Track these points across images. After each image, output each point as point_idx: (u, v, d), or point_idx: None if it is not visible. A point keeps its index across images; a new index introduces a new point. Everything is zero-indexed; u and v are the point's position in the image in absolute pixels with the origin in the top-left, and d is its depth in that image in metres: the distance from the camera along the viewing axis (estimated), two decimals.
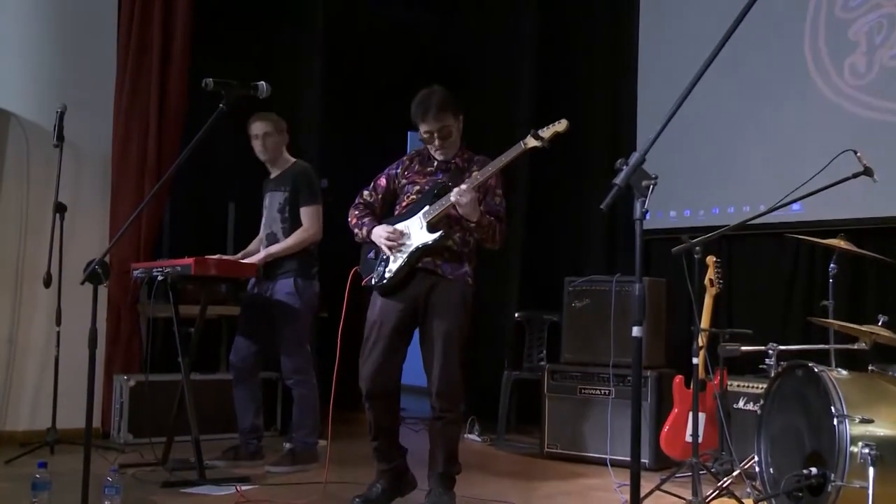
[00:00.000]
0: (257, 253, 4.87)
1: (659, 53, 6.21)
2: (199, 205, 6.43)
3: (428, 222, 3.72)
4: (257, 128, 4.85)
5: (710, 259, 4.47)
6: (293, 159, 4.90)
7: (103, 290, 4.63)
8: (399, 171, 3.94)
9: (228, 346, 5.24)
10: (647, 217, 2.46)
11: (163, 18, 5.67)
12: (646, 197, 2.43)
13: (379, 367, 3.74)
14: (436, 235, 3.69)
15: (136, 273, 4.73)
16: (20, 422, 5.33)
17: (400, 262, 3.74)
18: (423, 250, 3.72)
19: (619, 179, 2.42)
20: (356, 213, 3.95)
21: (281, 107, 4.91)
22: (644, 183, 2.43)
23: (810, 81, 5.36)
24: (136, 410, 5.31)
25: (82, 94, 5.53)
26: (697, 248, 3.95)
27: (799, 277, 5.44)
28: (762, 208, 4.33)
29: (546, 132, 3.53)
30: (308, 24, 6.55)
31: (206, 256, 4.46)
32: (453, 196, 3.60)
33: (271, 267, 4.74)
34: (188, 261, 4.30)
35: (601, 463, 4.88)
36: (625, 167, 2.45)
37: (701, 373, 4.14)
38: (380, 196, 3.95)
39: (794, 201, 3.77)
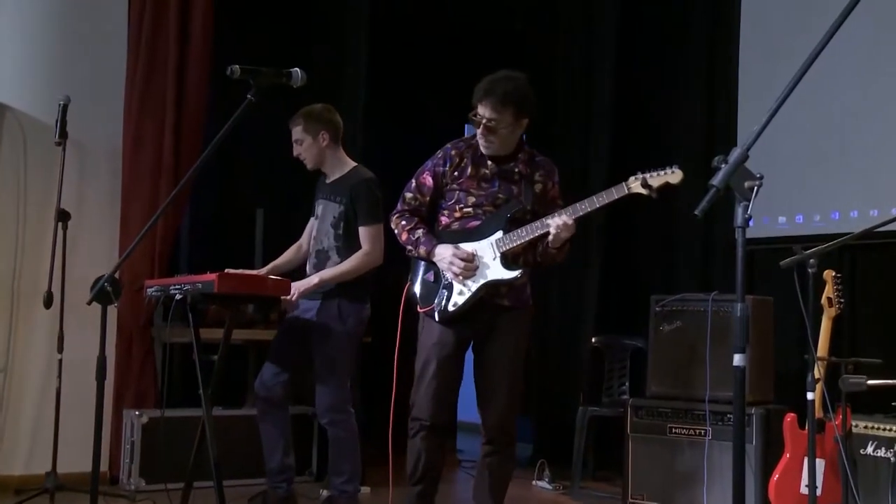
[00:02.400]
0: (287, 264, 4.90)
1: (765, 24, 6.16)
2: (223, 211, 6.52)
3: (502, 253, 3.82)
4: (293, 132, 4.89)
5: (829, 274, 4.43)
6: (351, 164, 4.86)
7: (113, 312, 4.72)
8: (447, 169, 3.95)
9: (256, 373, 5.29)
10: (751, 224, 2.45)
11: None
12: (749, 200, 2.43)
13: (436, 394, 3.84)
14: (515, 274, 3.82)
15: (150, 291, 4.76)
16: (15, 465, 5.40)
17: (467, 295, 3.84)
18: (493, 285, 3.84)
19: (716, 180, 2.42)
20: (402, 223, 3.99)
21: (317, 94, 4.96)
22: (747, 184, 2.43)
23: None
24: (149, 452, 5.37)
25: (88, 83, 5.61)
26: (812, 260, 3.92)
27: None
28: (895, 213, 4.28)
29: (655, 180, 3.65)
30: None
31: (232, 271, 4.51)
32: (553, 227, 3.72)
33: None
34: (210, 276, 4.34)
35: None
36: (723, 166, 2.45)
37: (818, 411, 4.10)
38: (427, 198, 3.99)
39: None
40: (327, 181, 4.88)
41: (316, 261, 4.81)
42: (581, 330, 6.77)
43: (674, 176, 3.65)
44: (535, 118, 3.93)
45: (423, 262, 3.98)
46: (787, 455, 4.58)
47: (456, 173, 3.92)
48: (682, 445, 5.12)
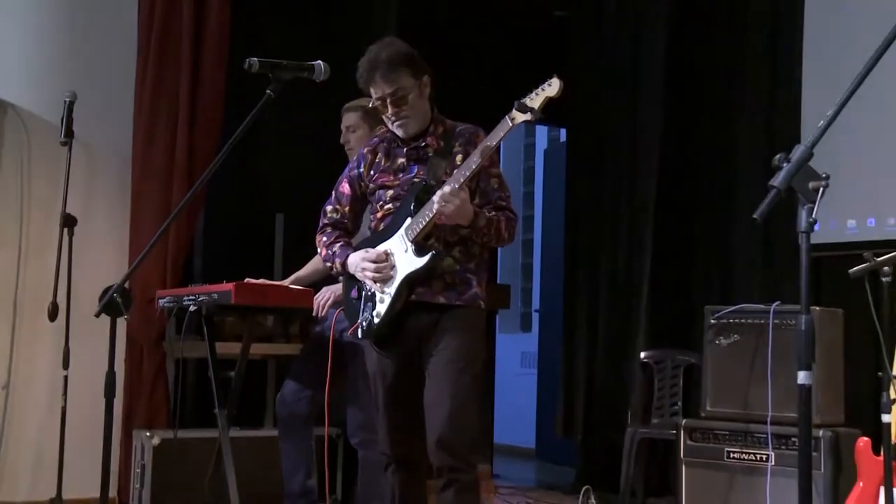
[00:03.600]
0: (312, 276, 4.91)
1: (832, 4, 6.12)
2: (241, 216, 6.56)
3: (413, 241, 3.59)
4: (346, 118, 4.91)
5: None
6: None
7: (122, 324, 4.74)
8: (363, 169, 3.83)
9: (276, 391, 5.31)
10: (817, 228, 2.44)
11: None
12: (814, 203, 2.42)
13: (392, 430, 3.74)
14: (425, 259, 3.56)
15: (162, 302, 4.82)
16: (18, 491, 5.43)
17: (388, 299, 3.62)
18: (412, 280, 3.59)
19: (778, 181, 2.42)
20: (323, 238, 3.86)
21: (342, 91, 4.97)
22: (811, 185, 2.42)
23: None
24: (161, 475, 5.37)
25: (96, 78, 5.66)
26: (886, 268, 3.89)
27: None
28: None
29: (535, 100, 3.42)
30: None
31: (250, 280, 4.54)
32: (435, 205, 3.48)
33: None
34: (227, 286, 4.38)
35: None
36: (785, 165, 2.44)
37: (894, 435, 4.06)
38: (347, 208, 3.88)
39: None
40: None
41: None
42: (629, 344, 6.75)
43: (551, 88, 3.40)
44: (434, 77, 3.77)
45: (348, 280, 3.82)
46: (861, 484, 4.53)
47: (371, 171, 3.80)
48: (741, 472, 5.08)
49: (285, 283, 4.92)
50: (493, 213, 3.64)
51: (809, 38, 6.24)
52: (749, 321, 5.24)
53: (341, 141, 4.86)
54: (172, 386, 5.66)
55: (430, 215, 3.52)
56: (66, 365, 5.10)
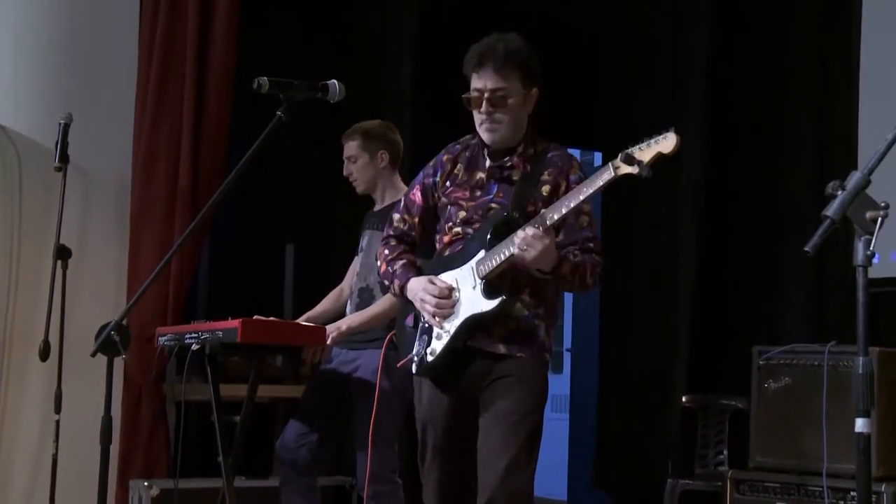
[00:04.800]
0: (326, 314, 4.92)
1: (892, 26, 6.11)
2: (249, 247, 6.59)
3: (483, 279, 3.49)
4: (346, 148, 4.95)
5: None
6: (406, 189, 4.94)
7: (119, 364, 4.75)
8: (438, 179, 3.73)
9: None
10: (876, 261, 2.44)
11: None
12: (872, 234, 2.41)
13: (441, 487, 3.66)
14: (494, 303, 3.46)
15: (162, 340, 4.83)
16: None
17: (446, 338, 3.54)
18: (474, 324, 3.51)
19: (831, 210, 2.41)
20: (385, 251, 3.78)
21: (354, 112, 5.00)
22: (869, 214, 2.42)
23: None
24: None
25: (93, 99, 5.66)
26: None
27: None
28: None
29: (644, 153, 3.25)
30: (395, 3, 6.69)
31: (258, 317, 4.55)
32: (515, 247, 3.38)
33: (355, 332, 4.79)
34: (233, 323, 4.38)
35: None
36: (840, 193, 2.44)
37: None
38: (416, 219, 3.78)
39: None
40: (375, 209, 4.93)
41: (358, 301, 4.84)
42: (669, 387, 6.72)
43: (666, 142, 3.20)
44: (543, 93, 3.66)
45: (405, 303, 3.73)
46: None
47: (447, 183, 3.70)
48: None
49: (301, 320, 4.93)
50: (579, 256, 3.55)
51: (867, 56, 6.24)
52: (801, 363, 5.22)
53: (344, 173, 4.90)
54: (173, 432, 5.66)
55: (507, 254, 3.43)
56: (57, 409, 5.09)
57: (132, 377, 5.60)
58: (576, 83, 7.18)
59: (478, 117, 3.59)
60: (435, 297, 3.55)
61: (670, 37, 7.23)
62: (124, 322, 3.61)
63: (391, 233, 3.82)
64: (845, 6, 6.40)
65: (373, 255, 4.80)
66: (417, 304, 3.61)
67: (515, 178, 3.61)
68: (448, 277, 3.58)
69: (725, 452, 6.11)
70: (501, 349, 3.54)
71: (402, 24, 6.65)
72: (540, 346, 3.59)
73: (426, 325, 3.62)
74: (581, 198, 3.36)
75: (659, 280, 7.09)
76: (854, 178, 2.44)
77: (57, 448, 5.08)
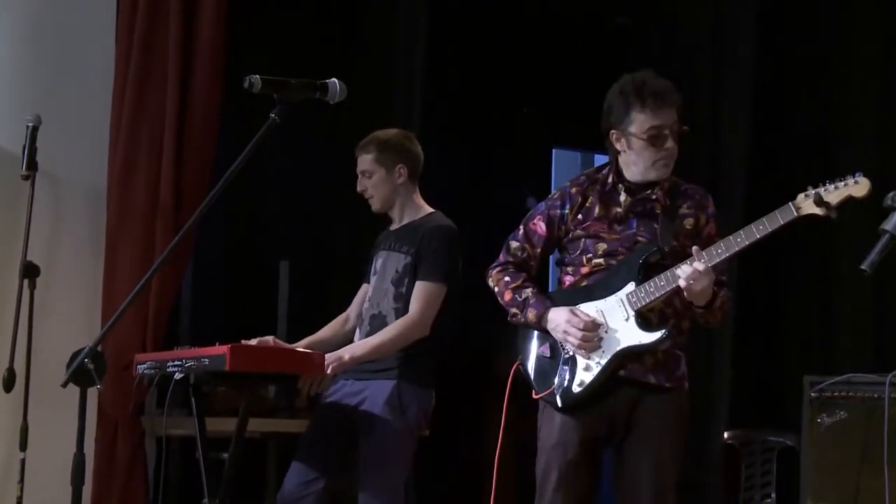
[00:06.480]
0: (329, 342, 4.86)
1: None
2: (237, 265, 6.60)
3: (638, 311, 3.83)
4: (360, 161, 4.95)
5: None
6: (428, 209, 4.93)
7: (93, 396, 4.77)
8: (568, 211, 4.04)
9: (279, 479, 5.30)
10: None
11: None
12: None
13: None
14: (658, 335, 3.82)
15: (141, 369, 4.82)
16: None
17: (596, 369, 3.85)
18: (630, 354, 3.85)
19: (890, 224, 2.43)
20: (506, 279, 4.07)
21: (359, 117, 5.02)
22: None
23: None
24: None
25: (65, 101, 5.68)
26: None
27: None
28: None
29: (832, 195, 3.60)
30: None
31: (248, 342, 4.57)
32: (682, 280, 3.72)
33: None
34: (221, 349, 4.37)
35: None
36: None
37: None
38: (538, 250, 4.09)
39: None
40: (392, 228, 4.94)
41: (369, 328, 4.82)
42: (710, 422, 6.70)
43: (858, 187, 3.55)
44: None
45: (535, 333, 4.03)
46: None
47: (580, 216, 4.01)
48: None
49: (298, 346, 4.89)
50: (720, 290, 3.89)
51: None
52: (859, 394, 5.22)
53: (358, 190, 4.91)
54: (153, 471, 5.65)
55: (666, 287, 3.79)
56: (23, 446, 5.09)
57: (107, 410, 5.60)
58: (601, 82, 7.12)
59: (656, 153, 3.91)
60: (580, 329, 3.84)
61: (713, 31, 7.21)
62: (99, 348, 3.62)
63: (510, 259, 4.11)
64: None
65: (387, 278, 4.82)
66: (559, 336, 3.92)
67: (658, 211, 3.97)
68: (589, 308, 3.90)
69: (773, 496, 6.10)
70: (651, 379, 3.90)
71: (414, 17, 6.66)
72: (682, 376, 4.01)
73: (569, 355, 3.91)
74: (758, 236, 3.74)
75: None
76: None
77: (22, 490, 5.07)
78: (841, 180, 3.59)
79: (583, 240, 3.98)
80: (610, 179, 3.99)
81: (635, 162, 3.93)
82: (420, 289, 4.72)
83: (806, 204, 3.67)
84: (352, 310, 5.05)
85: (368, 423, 4.70)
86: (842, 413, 5.26)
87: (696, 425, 6.79)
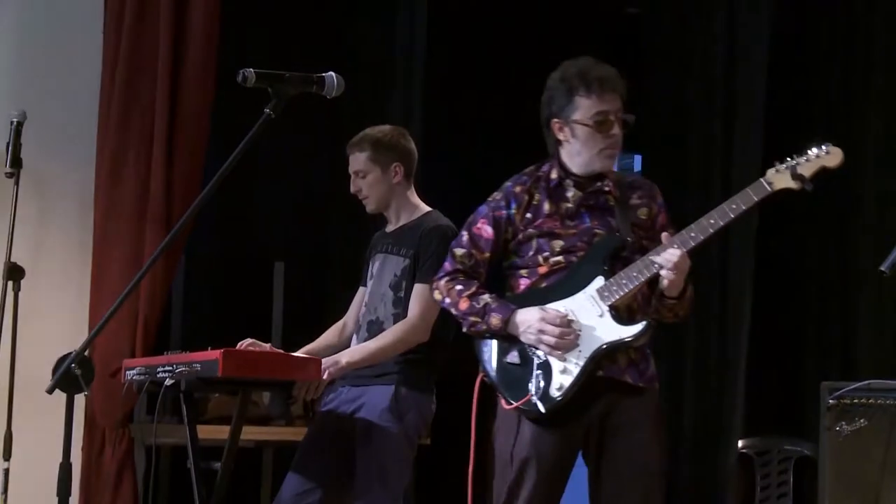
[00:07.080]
0: (326, 350, 4.85)
1: None
2: (230, 267, 6.60)
3: (611, 306, 3.78)
4: (353, 160, 4.94)
5: None
6: (425, 208, 4.90)
7: (81, 403, 4.77)
8: (515, 210, 3.96)
9: (275, 489, 5.31)
10: None
11: None
12: None
13: None
14: (639, 328, 3.78)
15: (130, 375, 4.82)
16: None
17: (575, 371, 3.76)
18: (611, 351, 3.79)
19: None
20: (458, 287, 3.96)
21: (356, 113, 5.02)
22: None
23: None
24: None
25: (51, 96, 5.71)
26: None
27: None
28: None
29: (806, 167, 3.59)
30: None
31: (242, 347, 4.57)
32: (664, 270, 3.70)
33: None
34: (213, 354, 4.37)
35: None
36: None
37: None
38: (486, 254, 3.99)
39: None
40: (388, 230, 4.93)
41: (367, 335, 4.81)
42: (724, 430, 6.71)
43: (830, 157, 3.59)
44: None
45: (493, 342, 3.94)
46: None
47: (529, 215, 3.95)
48: None
49: (300, 353, 4.89)
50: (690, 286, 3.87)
51: None
52: (879, 401, 5.21)
53: (352, 190, 4.89)
54: (142, 481, 5.66)
55: (641, 277, 3.75)
56: (7, 455, 5.11)
57: (95, 417, 5.62)
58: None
59: (602, 141, 3.88)
60: (557, 326, 3.77)
61: (726, 20, 7.22)
62: (86, 353, 3.62)
63: (458, 267, 4.01)
64: None
65: (385, 282, 4.80)
66: (531, 338, 3.81)
67: (612, 203, 3.93)
68: (556, 307, 3.82)
69: None
70: (627, 378, 3.84)
71: (412, 10, 6.66)
72: (654, 375, 3.95)
73: (542, 360, 3.81)
74: (732, 216, 3.70)
75: (710, 307, 7.07)
76: None
77: (6, 501, 5.08)
78: (811, 151, 3.61)
79: (536, 239, 3.91)
80: (555, 174, 3.95)
81: (579, 152, 3.89)
82: (419, 291, 4.69)
83: (778, 178, 3.65)
84: (349, 316, 5.03)
85: (366, 430, 4.69)
86: (861, 421, 5.25)
87: (710, 433, 6.85)
